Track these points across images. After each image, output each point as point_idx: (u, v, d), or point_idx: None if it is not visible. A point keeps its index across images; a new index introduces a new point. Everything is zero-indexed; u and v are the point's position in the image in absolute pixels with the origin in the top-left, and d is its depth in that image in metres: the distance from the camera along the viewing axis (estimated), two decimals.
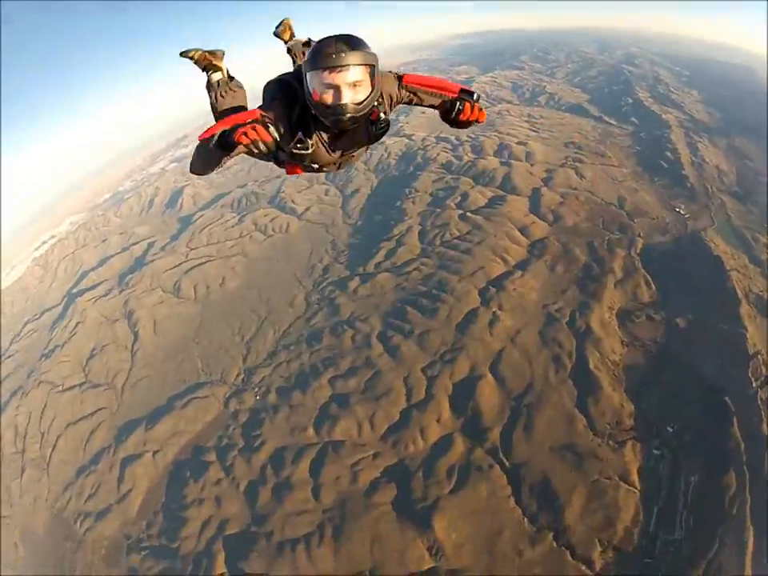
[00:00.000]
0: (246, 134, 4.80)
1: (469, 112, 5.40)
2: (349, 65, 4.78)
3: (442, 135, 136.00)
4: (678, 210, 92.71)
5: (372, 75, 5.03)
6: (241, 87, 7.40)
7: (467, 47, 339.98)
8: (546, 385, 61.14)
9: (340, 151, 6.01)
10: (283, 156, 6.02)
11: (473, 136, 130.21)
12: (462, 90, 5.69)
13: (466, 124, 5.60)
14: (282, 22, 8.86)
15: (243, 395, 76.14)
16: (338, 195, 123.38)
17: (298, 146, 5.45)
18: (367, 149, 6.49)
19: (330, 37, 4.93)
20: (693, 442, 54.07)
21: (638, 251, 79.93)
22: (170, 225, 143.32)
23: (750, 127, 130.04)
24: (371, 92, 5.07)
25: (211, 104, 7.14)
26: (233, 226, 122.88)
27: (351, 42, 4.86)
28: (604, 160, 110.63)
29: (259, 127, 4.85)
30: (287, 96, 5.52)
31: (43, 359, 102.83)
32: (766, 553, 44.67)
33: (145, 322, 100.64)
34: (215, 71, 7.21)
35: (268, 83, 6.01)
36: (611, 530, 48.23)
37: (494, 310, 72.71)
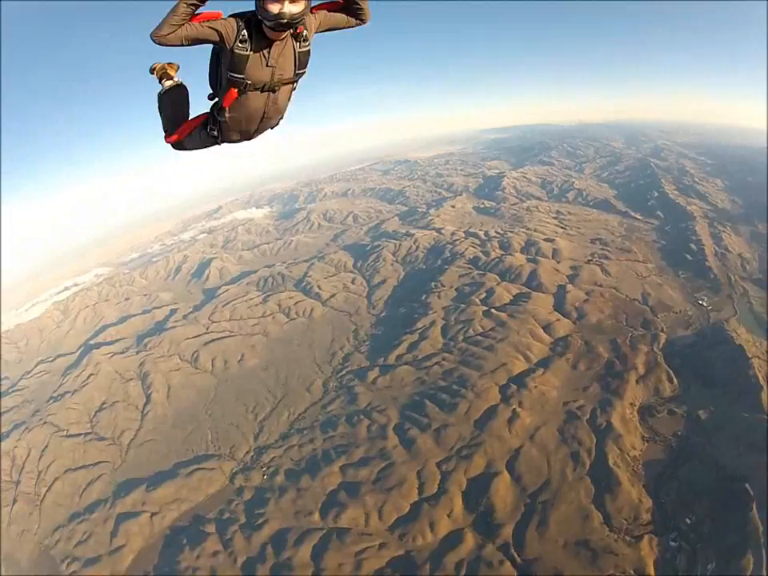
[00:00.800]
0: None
1: None
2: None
3: (471, 230, 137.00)
4: (701, 302, 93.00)
5: None
6: (185, 92, 8.50)
7: (499, 141, 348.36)
8: (563, 482, 60.12)
9: (271, 68, 7.03)
10: (224, 72, 7.07)
11: (501, 232, 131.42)
12: None
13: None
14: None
15: (251, 473, 75.60)
16: (364, 285, 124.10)
17: (240, 45, 6.69)
18: (295, 77, 7.37)
19: None
20: (711, 531, 53.17)
21: (660, 346, 79.41)
22: (194, 294, 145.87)
23: None
24: (304, 8, 6.37)
25: (159, 107, 8.34)
26: (257, 305, 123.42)
27: None
28: (629, 255, 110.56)
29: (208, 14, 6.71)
30: (239, 15, 6.75)
31: (51, 401, 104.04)
32: None
33: (158, 386, 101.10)
34: (168, 79, 8.38)
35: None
36: None
37: (514, 407, 72.17)
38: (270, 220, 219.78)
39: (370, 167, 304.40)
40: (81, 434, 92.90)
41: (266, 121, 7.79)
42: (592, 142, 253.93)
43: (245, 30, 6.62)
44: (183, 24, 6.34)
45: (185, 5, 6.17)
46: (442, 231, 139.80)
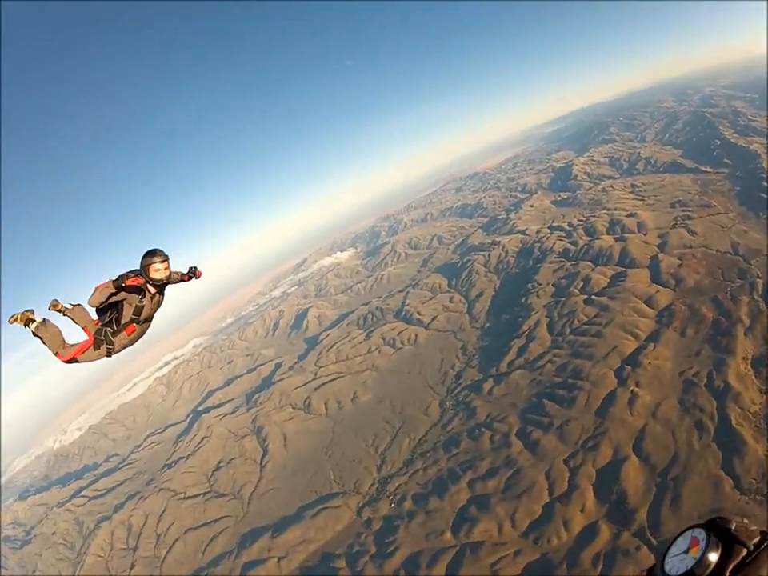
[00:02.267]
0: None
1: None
2: (161, 260, 9.73)
3: (554, 224, 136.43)
4: None
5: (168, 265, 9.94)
6: (52, 323, 10.57)
7: (558, 132, 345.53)
8: (691, 453, 58.80)
9: (151, 308, 10.27)
10: (126, 315, 10.12)
11: (583, 219, 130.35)
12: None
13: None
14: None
15: (377, 504, 75.99)
16: (462, 301, 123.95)
17: (142, 300, 9.98)
18: (158, 305, 10.53)
19: (152, 250, 9.78)
20: None
21: (759, 293, 76.55)
22: (296, 345, 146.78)
23: None
24: (170, 272, 9.99)
25: (42, 341, 10.40)
26: (360, 342, 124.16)
27: (161, 251, 9.80)
28: (710, 210, 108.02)
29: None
30: (127, 277, 9.58)
31: (165, 469, 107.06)
32: None
33: (274, 437, 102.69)
34: (32, 322, 10.25)
35: (127, 272, 9.86)
36: None
37: (631, 388, 70.79)
38: (357, 260, 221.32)
39: (442, 188, 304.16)
40: (199, 495, 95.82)
41: (142, 336, 10.93)
42: (645, 109, 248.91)
43: (142, 295, 10.01)
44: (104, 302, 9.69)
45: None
46: (527, 232, 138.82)
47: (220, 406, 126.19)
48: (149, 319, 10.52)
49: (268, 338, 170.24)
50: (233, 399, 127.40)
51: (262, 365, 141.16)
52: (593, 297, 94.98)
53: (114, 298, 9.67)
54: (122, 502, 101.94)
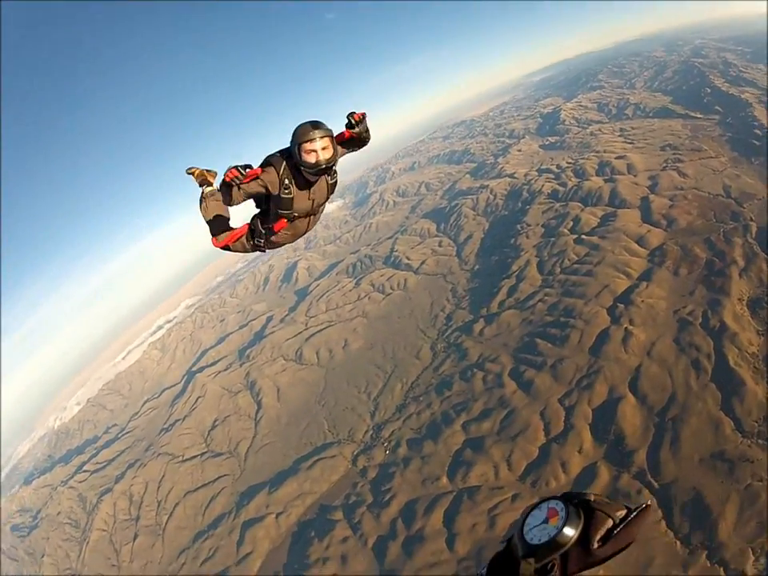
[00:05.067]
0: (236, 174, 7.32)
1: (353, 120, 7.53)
2: (316, 137, 7.23)
3: (542, 167, 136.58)
4: None
5: (332, 141, 7.47)
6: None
7: (546, 80, 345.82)
8: (689, 393, 58.24)
9: (312, 200, 8.15)
10: (273, 208, 8.17)
11: (572, 161, 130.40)
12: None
13: (358, 133, 7.70)
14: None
15: (372, 451, 76.01)
16: (451, 245, 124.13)
17: (285, 191, 7.79)
18: (328, 198, 8.50)
19: (304, 123, 7.34)
20: None
21: (753, 236, 76.10)
22: (287, 298, 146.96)
23: None
24: (333, 152, 7.51)
25: (201, 211, 8.90)
26: (350, 290, 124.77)
27: (316, 123, 7.32)
28: (701, 154, 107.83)
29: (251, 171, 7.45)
30: (276, 162, 7.70)
31: (163, 433, 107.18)
32: None
33: (268, 391, 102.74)
34: (208, 185, 8.92)
35: (267, 157, 7.87)
36: (764, 536, 44.51)
37: (625, 326, 70.44)
38: (345, 211, 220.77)
39: (429, 137, 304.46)
40: (197, 456, 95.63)
41: (308, 232, 9.10)
42: (635, 58, 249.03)
43: (286, 179, 7.75)
44: (232, 200, 7.93)
45: (226, 190, 7.75)
46: (515, 175, 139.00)
47: (213, 364, 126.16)
48: (311, 212, 8.42)
49: (259, 293, 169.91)
50: (226, 356, 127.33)
51: (253, 320, 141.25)
52: (583, 236, 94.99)
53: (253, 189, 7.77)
54: (123, 471, 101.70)
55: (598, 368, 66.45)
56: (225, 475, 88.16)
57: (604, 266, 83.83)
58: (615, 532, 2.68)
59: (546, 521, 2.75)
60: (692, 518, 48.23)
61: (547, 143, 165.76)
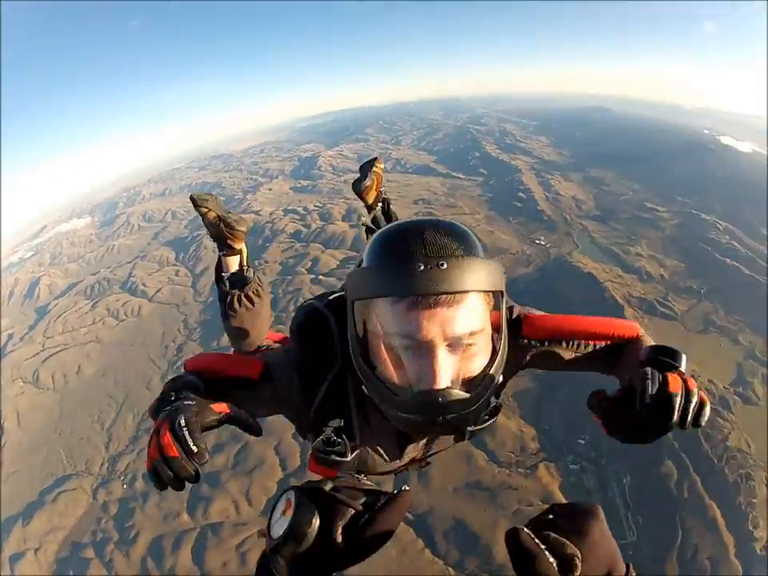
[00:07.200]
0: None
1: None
2: (458, 291, 1.92)
3: (289, 208, 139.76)
4: (537, 241, 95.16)
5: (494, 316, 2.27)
6: (263, 291, 4.68)
7: (315, 127, 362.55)
8: None
9: (409, 457, 3.04)
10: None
11: (320, 205, 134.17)
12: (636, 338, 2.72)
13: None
14: (371, 165, 5.28)
15: (110, 485, 72.14)
16: (188, 275, 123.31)
17: (329, 449, 2.72)
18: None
19: (412, 222, 2.16)
20: (611, 447, 52.47)
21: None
22: (28, 315, 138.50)
23: (604, 158, 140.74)
24: (497, 357, 2.17)
25: (222, 311, 4.58)
26: (86, 313, 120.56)
27: (457, 236, 2.09)
28: (455, 210, 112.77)
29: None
30: (316, 349, 2.66)
31: None
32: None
33: (9, 414, 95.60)
34: (231, 254, 4.52)
35: (299, 309, 3.00)
36: None
37: None
38: (92, 229, 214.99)
39: (186, 166, 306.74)
40: None
41: None
42: (408, 117, 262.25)
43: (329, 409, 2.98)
44: None
45: None
46: (260, 213, 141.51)
47: None
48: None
49: (4, 307, 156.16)
50: None
51: None
52: (321, 277, 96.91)
53: None
54: None
55: None
56: None
57: None
58: (361, 522, 1.97)
59: (284, 512, 2.10)
60: (459, 545, 48.67)
61: (299, 186, 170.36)
